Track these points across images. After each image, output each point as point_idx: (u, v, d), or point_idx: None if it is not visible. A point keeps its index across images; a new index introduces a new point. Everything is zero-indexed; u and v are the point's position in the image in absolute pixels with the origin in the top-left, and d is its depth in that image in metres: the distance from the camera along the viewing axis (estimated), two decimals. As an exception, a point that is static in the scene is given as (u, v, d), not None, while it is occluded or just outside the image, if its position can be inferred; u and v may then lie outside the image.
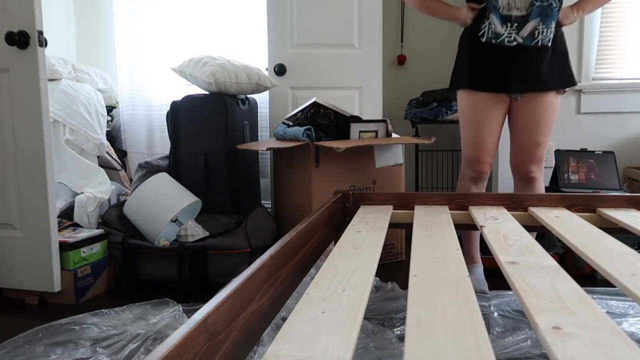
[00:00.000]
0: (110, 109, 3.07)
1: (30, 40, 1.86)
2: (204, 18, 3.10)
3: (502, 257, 0.99)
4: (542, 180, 1.93)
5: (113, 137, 3.13)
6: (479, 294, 1.85)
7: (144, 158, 2.92)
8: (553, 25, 1.71)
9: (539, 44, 1.73)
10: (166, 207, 2.18)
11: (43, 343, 1.52)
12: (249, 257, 2.07)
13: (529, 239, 1.15)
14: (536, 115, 1.82)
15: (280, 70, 2.79)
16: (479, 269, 1.98)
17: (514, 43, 1.74)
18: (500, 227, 1.29)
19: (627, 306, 1.73)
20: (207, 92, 2.46)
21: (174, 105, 2.46)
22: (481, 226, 1.32)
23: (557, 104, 1.85)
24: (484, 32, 1.77)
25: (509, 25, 1.73)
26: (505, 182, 2.95)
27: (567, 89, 1.87)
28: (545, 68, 1.77)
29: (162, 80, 3.14)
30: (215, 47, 3.08)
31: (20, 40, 1.86)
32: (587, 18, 2.83)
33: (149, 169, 2.55)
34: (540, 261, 0.96)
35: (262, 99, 2.92)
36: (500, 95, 1.84)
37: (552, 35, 1.72)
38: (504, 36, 1.74)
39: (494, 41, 1.76)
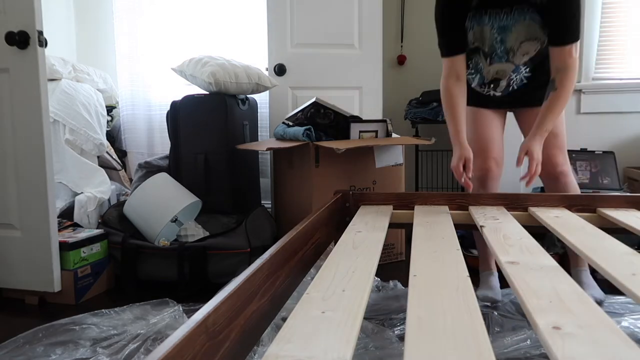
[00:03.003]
0: (110, 109, 3.07)
1: (30, 40, 1.86)
2: (204, 18, 3.10)
3: (502, 257, 0.99)
4: (572, 176, 1.80)
5: (113, 137, 3.13)
6: (491, 303, 1.78)
7: (144, 158, 2.92)
8: (523, 70, 1.74)
9: (515, 86, 1.78)
10: (166, 207, 2.18)
11: (43, 343, 1.52)
12: (249, 257, 2.07)
13: (530, 239, 1.15)
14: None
15: (280, 70, 2.79)
16: (495, 277, 1.89)
17: (499, 94, 1.81)
18: (500, 227, 1.29)
19: (626, 306, 1.73)
20: (207, 92, 2.46)
21: (174, 105, 2.46)
22: (481, 226, 1.32)
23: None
24: (470, 79, 1.83)
25: (486, 86, 1.81)
26: (505, 182, 2.95)
27: None
28: (529, 92, 1.79)
29: (162, 80, 3.14)
30: (215, 47, 3.08)
31: (20, 40, 1.86)
32: (587, 18, 2.83)
33: (149, 169, 2.55)
34: (540, 261, 0.96)
35: (262, 99, 2.92)
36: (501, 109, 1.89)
37: (525, 75, 1.75)
38: (483, 91, 1.83)
39: (477, 88, 1.84)
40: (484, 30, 1.71)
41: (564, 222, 1.36)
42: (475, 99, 1.86)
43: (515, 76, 1.76)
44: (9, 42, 1.86)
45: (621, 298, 1.79)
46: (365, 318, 1.60)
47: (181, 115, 2.44)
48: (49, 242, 1.92)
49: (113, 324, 1.65)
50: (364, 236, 1.23)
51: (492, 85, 1.80)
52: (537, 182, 2.95)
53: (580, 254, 1.05)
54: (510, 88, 1.78)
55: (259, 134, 2.85)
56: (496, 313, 1.68)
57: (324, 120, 2.37)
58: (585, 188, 2.52)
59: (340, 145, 2.14)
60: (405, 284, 1.98)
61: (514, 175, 2.95)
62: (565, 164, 1.78)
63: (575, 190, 1.78)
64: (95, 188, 2.45)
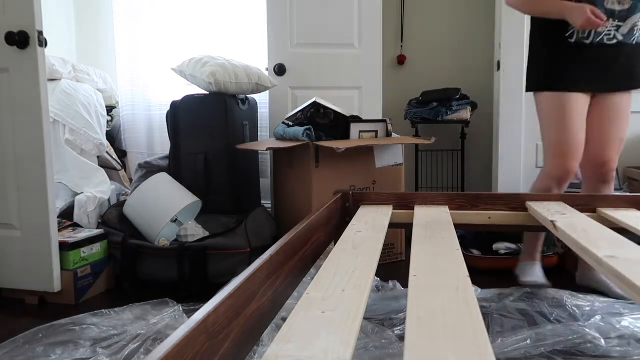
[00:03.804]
0: (110, 109, 3.07)
1: (30, 40, 1.86)
2: (204, 18, 3.10)
3: (599, 252, 0.96)
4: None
5: (113, 137, 3.13)
6: (541, 287, 1.87)
7: (144, 158, 2.92)
8: None
9: (634, 41, 1.67)
10: (166, 207, 2.18)
11: (43, 343, 1.52)
12: (249, 257, 2.07)
13: (612, 233, 1.12)
14: (624, 110, 1.78)
15: (280, 70, 2.79)
16: (539, 267, 1.96)
17: (614, 41, 1.67)
18: (573, 222, 1.25)
19: (627, 306, 1.73)
20: (207, 92, 2.46)
21: (174, 105, 2.46)
22: (552, 221, 1.29)
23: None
24: (573, 32, 1.70)
25: (610, 21, 1.65)
26: (505, 182, 2.95)
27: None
28: (636, 65, 1.71)
29: (162, 81, 3.13)
30: (215, 47, 3.07)
31: (20, 40, 1.85)
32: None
33: (149, 169, 2.55)
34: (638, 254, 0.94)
35: (262, 99, 2.92)
36: (586, 93, 1.78)
37: None
38: (602, 34, 1.67)
39: (586, 41, 1.69)
40: None
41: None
42: (564, 74, 1.72)
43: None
44: (9, 42, 1.86)
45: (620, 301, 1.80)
46: (365, 318, 1.60)
47: (181, 115, 2.44)
48: (49, 242, 1.92)
49: (113, 324, 1.65)
50: (364, 236, 1.23)
51: (617, 21, 1.62)
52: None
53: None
54: (632, 38, 1.64)
55: (259, 134, 2.85)
56: (496, 313, 1.68)
57: (324, 120, 2.37)
58: (585, 188, 2.52)
59: (340, 145, 2.14)
60: (405, 284, 1.98)
61: (514, 175, 2.95)
62: (614, 171, 1.81)
63: (612, 192, 1.79)
64: (95, 188, 2.45)
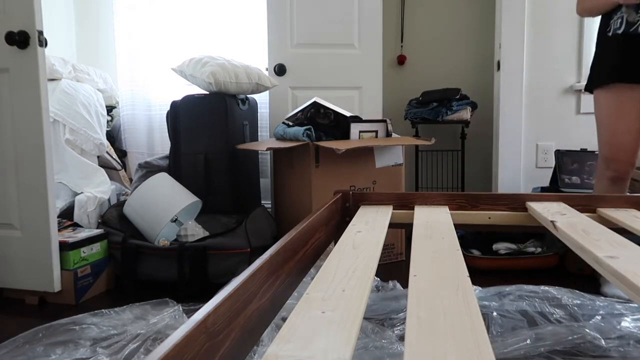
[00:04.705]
0: (110, 109, 3.07)
1: (30, 40, 1.86)
2: (204, 18, 3.10)
3: (599, 253, 0.96)
4: None
5: (113, 137, 3.13)
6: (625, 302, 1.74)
7: (144, 158, 2.92)
8: None
9: None
10: (166, 207, 2.18)
11: (43, 343, 1.52)
12: (249, 257, 2.07)
13: (612, 234, 1.11)
14: None
15: (280, 70, 2.79)
16: None
17: None
18: (573, 222, 1.25)
19: (627, 306, 1.73)
20: (207, 92, 2.46)
21: (174, 105, 2.46)
22: (552, 221, 1.29)
23: None
24: (611, 26, 1.74)
25: None
26: (505, 182, 2.95)
27: None
28: None
29: (162, 80, 3.14)
30: (215, 47, 3.07)
31: (20, 40, 1.86)
32: (587, 18, 2.83)
33: (149, 169, 2.55)
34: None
35: (262, 99, 2.92)
36: (635, 88, 1.75)
37: None
38: (637, 24, 1.67)
39: (619, 31, 1.71)
40: None
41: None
42: (615, 71, 1.73)
43: None
44: (9, 42, 1.86)
45: (622, 299, 1.80)
46: (365, 318, 1.60)
47: (181, 115, 2.44)
48: (49, 242, 1.92)
49: (113, 324, 1.65)
50: (364, 236, 1.23)
51: None
52: (537, 182, 2.95)
53: None
54: None
55: (259, 134, 2.85)
56: (496, 313, 1.68)
57: (324, 120, 2.37)
58: (585, 188, 2.52)
59: (340, 145, 2.14)
60: (405, 284, 1.98)
61: (514, 175, 2.95)
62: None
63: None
64: (95, 188, 2.45)
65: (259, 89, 2.53)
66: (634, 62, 1.73)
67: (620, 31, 1.70)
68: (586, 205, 1.60)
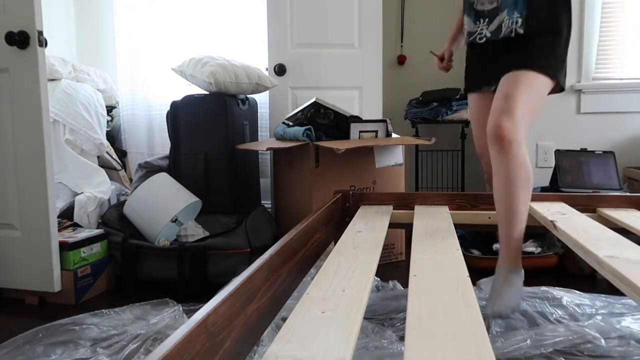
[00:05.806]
0: (110, 109, 3.07)
1: (30, 40, 1.86)
2: (204, 18, 3.10)
3: (599, 252, 0.96)
4: (521, 147, 1.52)
5: (113, 137, 3.13)
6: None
7: (144, 158, 2.92)
8: (516, 15, 1.59)
9: (500, 36, 1.64)
10: (166, 207, 2.18)
11: (43, 343, 1.52)
12: (249, 257, 2.07)
13: (611, 233, 1.11)
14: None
15: (280, 70, 2.79)
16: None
17: (484, 39, 1.69)
18: (573, 222, 1.27)
19: (627, 306, 1.73)
20: (207, 92, 2.46)
21: (174, 105, 2.46)
22: (552, 221, 1.29)
23: (534, 79, 1.57)
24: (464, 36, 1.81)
25: (481, 21, 1.68)
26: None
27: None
28: (511, 58, 1.63)
29: (162, 80, 3.13)
30: (215, 47, 3.07)
31: (20, 40, 1.85)
32: (586, 17, 2.83)
33: (149, 169, 2.55)
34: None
35: (262, 99, 2.92)
36: (486, 93, 1.79)
37: (516, 26, 1.60)
38: (475, 34, 1.71)
39: (469, 39, 1.77)
40: None
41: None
42: (469, 80, 1.87)
43: (507, 19, 1.60)
44: (9, 42, 1.86)
45: (622, 299, 1.79)
46: (365, 318, 1.60)
47: (181, 115, 2.44)
48: (49, 242, 1.92)
49: (113, 324, 1.65)
50: (364, 236, 1.23)
51: (487, 20, 1.65)
52: (537, 182, 2.95)
53: None
54: (501, 34, 1.62)
55: (259, 134, 2.85)
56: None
57: (324, 120, 2.37)
58: (585, 188, 2.52)
59: (340, 145, 2.14)
60: (405, 284, 1.98)
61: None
62: (512, 128, 1.49)
63: (525, 167, 1.50)
64: (95, 188, 2.45)
65: (259, 89, 2.53)
66: (471, 72, 1.85)
67: (469, 39, 1.77)
68: (586, 205, 1.60)
